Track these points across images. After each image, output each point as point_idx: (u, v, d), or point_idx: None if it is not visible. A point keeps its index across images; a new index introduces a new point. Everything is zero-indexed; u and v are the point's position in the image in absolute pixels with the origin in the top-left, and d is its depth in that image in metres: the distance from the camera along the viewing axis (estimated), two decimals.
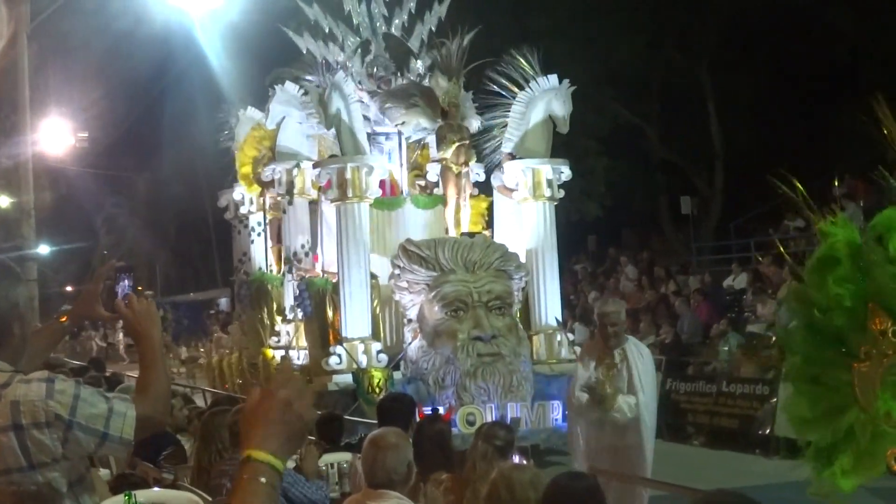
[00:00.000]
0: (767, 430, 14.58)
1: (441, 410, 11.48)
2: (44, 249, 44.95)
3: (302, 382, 2.27)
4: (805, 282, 4.78)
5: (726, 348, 17.20)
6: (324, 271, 16.20)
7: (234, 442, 6.57)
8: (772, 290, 18.56)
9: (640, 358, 8.25)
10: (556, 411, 14.60)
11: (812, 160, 22.82)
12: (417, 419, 7.02)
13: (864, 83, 23.29)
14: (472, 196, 17.00)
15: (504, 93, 16.20)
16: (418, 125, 16.36)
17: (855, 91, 23.11)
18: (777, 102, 24.35)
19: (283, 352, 16.75)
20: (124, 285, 3.26)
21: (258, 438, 2.13)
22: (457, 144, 15.78)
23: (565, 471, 4.81)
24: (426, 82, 16.64)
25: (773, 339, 16.75)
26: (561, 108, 16.01)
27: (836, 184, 19.62)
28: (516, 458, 5.81)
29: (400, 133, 16.68)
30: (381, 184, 15.87)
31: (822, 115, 23.78)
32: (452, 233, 15.78)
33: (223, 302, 35.07)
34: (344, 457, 7.90)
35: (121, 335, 34.24)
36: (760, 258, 20.64)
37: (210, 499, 6.48)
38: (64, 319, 3.64)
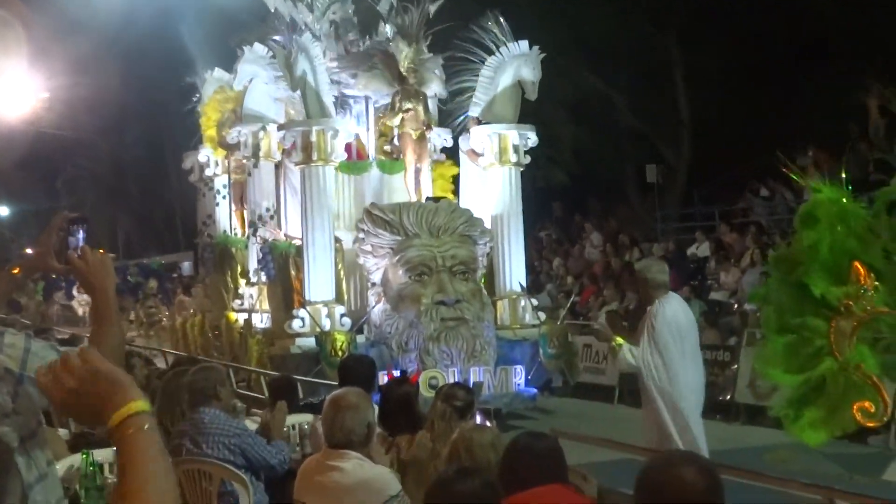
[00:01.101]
0: (728, 397, 14.70)
1: (409, 373, 11.49)
2: (3, 211, 44.56)
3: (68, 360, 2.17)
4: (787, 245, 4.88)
5: None
6: (286, 235, 16.12)
7: (193, 401, 6.52)
8: (734, 259, 18.65)
9: (656, 317, 8.26)
10: (518, 376, 14.70)
11: (778, 131, 22.91)
12: (386, 380, 7.00)
13: (831, 55, 23.38)
14: (438, 161, 16.95)
15: (473, 58, 16.13)
16: (377, 90, 16.29)
17: (822, 63, 23.21)
18: (744, 73, 24.36)
19: (246, 315, 16.69)
20: (78, 237, 3.15)
21: (120, 395, 2.10)
22: (401, 114, 15.72)
23: (526, 430, 4.79)
24: (390, 47, 16.56)
25: (735, 306, 16.86)
26: (530, 73, 15.98)
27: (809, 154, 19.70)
28: (478, 420, 5.80)
29: (367, 97, 16.57)
30: (347, 147, 15.80)
31: (788, 87, 23.83)
32: (412, 198, 15.74)
33: (186, 265, 34.84)
34: (305, 418, 7.87)
35: (82, 296, 33.78)
36: (727, 225, 20.78)
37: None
38: (16, 271, 3.57)
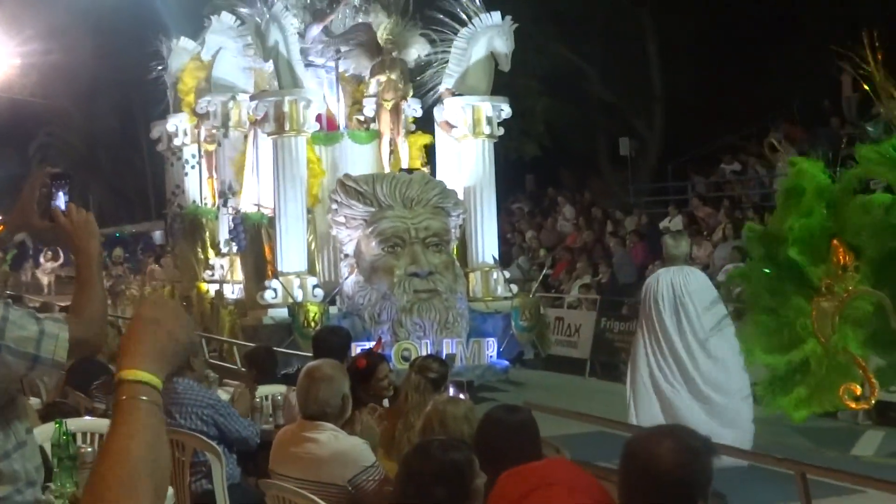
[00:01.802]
0: None
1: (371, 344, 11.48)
2: None
3: (175, 304, 2.16)
4: (765, 220, 4.86)
5: None
6: (258, 205, 16.02)
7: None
8: (707, 233, 18.73)
9: (659, 284, 8.42)
10: (490, 348, 14.73)
11: (750, 106, 22.99)
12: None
13: (804, 30, 23.44)
14: (410, 132, 16.90)
15: (446, 29, 16.07)
16: (362, 67, 16.24)
17: (795, 38, 23.27)
18: (717, 48, 24.40)
19: (217, 285, 16.62)
20: (61, 194, 3.07)
21: (128, 359, 2.01)
22: (384, 79, 15.69)
23: (501, 404, 4.80)
24: (361, 16, 16.48)
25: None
26: (503, 45, 15.93)
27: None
28: (452, 392, 5.82)
29: (336, 67, 16.48)
30: (318, 118, 15.72)
31: (761, 62, 23.89)
32: (387, 168, 15.70)
33: (157, 234, 34.60)
34: (278, 389, 7.86)
35: (47, 264, 33.34)
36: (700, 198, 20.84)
37: None
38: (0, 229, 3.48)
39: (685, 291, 8.31)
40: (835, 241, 4.61)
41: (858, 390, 4.51)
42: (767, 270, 4.58)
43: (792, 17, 23.69)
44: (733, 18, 24.11)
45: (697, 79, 24.79)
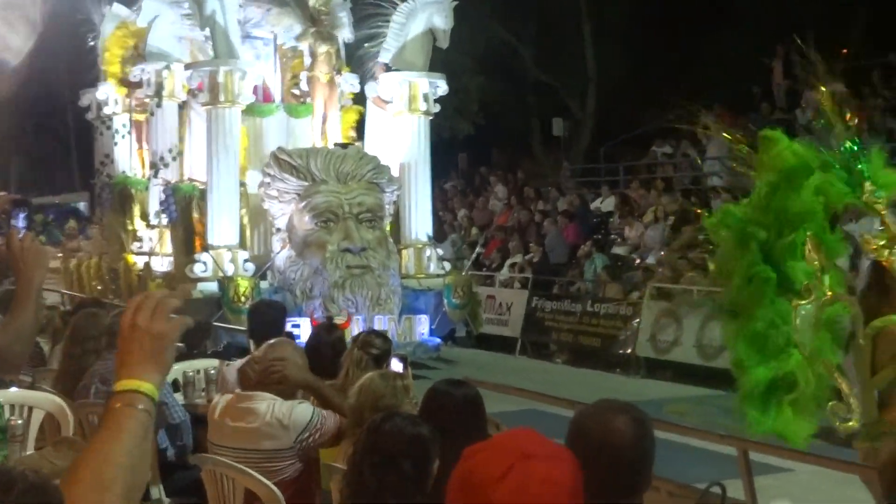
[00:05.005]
0: (629, 350, 14.93)
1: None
2: None
3: (155, 298, 2.15)
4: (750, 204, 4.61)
5: (592, 269, 17.49)
6: (189, 179, 15.78)
7: (110, 343, 6.40)
8: (638, 214, 18.88)
9: None
10: (422, 325, 14.76)
11: (683, 89, 23.15)
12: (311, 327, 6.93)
13: (737, 15, 23.68)
14: (344, 107, 16.77)
15: (384, 3, 15.94)
16: (288, 27, 16.04)
17: (728, 23, 23.51)
18: (652, 30, 24.54)
19: (145, 258, 16.35)
20: (20, 219, 3.19)
21: (122, 370, 2.11)
22: (322, 53, 15.55)
23: (445, 377, 4.77)
24: None
25: (637, 261, 17.09)
26: (442, 21, 15.86)
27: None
28: (399, 367, 5.78)
29: (275, 38, 16.29)
30: (255, 90, 15.52)
31: (694, 45, 24.09)
32: (319, 143, 15.58)
33: (82, 205, 33.99)
34: (211, 363, 7.77)
35: None
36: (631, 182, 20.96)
37: (72, 402, 6.28)
38: None
39: None
40: (809, 236, 4.46)
41: (845, 410, 4.41)
42: (760, 268, 4.36)
43: (725, 3, 23.92)
44: (668, 2, 24.27)
45: (631, 61, 24.93)
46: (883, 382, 4.46)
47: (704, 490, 3.84)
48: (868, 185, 4.58)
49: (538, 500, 2.60)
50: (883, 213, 4.70)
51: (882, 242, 4.64)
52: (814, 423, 4.40)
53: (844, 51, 23.25)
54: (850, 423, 4.33)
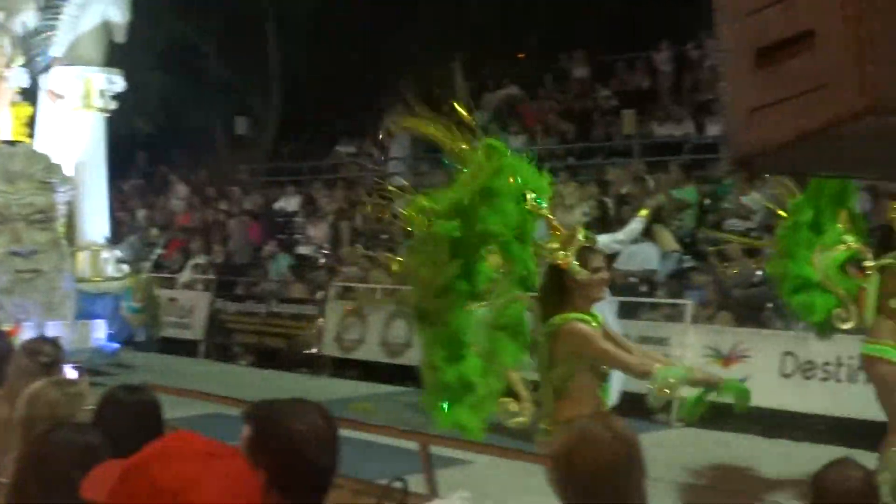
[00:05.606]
0: (315, 350, 14.98)
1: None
2: None
3: None
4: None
5: (277, 269, 17.44)
6: None
7: None
8: (322, 213, 18.99)
9: None
10: (99, 330, 14.31)
11: (367, 89, 23.54)
12: None
13: (417, 18, 24.28)
14: (14, 102, 15.86)
15: None
16: None
17: (409, 25, 24.07)
18: (336, 30, 24.73)
19: None
20: None
21: None
22: None
23: (120, 383, 4.57)
24: None
25: (322, 260, 17.18)
26: (118, 15, 15.35)
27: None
28: (75, 375, 5.49)
29: None
30: None
31: (376, 46, 24.47)
32: None
33: None
34: None
35: None
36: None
37: None
38: None
39: None
40: (497, 246, 4.58)
41: (515, 407, 4.57)
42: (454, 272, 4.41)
43: (409, 5, 24.43)
44: (351, 2, 24.54)
45: (315, 59, 25.03)
46: (558, 377, 4.71)
47: (385, 485, 3.87)
48: (529, 195, 4.80)
49: (243, 492, 2.59)
50: (549, 216, 4.93)
51: (555, 245, 4.88)
52: (489, 417, 4.55)
53: (521, 55, 24.45)
54: (520, 420, 4.51)
